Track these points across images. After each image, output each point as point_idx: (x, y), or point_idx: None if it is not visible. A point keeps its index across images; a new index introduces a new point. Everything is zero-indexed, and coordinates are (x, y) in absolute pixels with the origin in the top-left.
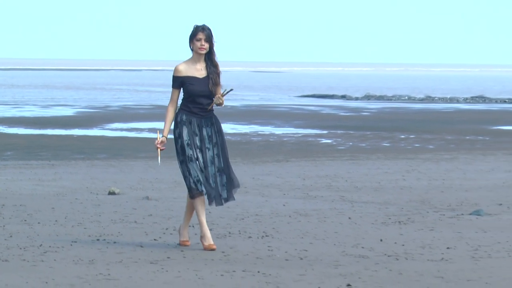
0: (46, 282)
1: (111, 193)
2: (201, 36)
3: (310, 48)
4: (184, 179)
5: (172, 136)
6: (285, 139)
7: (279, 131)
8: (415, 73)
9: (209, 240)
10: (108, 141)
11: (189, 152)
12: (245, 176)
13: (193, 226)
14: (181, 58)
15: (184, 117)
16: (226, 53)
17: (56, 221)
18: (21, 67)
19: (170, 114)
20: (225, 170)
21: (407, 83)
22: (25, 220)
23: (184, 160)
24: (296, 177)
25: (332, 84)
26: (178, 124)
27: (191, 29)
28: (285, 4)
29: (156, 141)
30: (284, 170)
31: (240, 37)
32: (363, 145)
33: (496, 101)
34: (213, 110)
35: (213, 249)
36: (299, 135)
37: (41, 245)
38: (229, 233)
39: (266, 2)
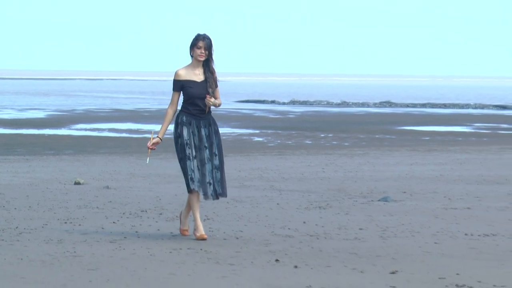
0: (21, 259)
1: (77, 183)
2: (201, 44)
3: (245, 59)
4: (184, 175)
5: (171, 136)
6: (224, 137)
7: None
8: (332, 82)
9: (201, 231)
10: (74, 139)
11: (188, 151)
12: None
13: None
14: (140, 69)
15: (184, 119)
16: (172, 64)
17: (30, 207)
18: None
19: (169, 116)
20: (220, 168)
21: (326, 90)
22: (3, 206)
23: (183, 158)
24: (233, 169)
25: (263, 91)
26: (178, 124)
27: (193, 36)
28: (220, 18)
29: (149, 142)
30: None
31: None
32: (289, 142)
33: (401, 105)
34: (211, 112)
35: (204, 239)
36: (235, 134)
37: (17, 227)
38: (176, 216)
39: (207, 17)
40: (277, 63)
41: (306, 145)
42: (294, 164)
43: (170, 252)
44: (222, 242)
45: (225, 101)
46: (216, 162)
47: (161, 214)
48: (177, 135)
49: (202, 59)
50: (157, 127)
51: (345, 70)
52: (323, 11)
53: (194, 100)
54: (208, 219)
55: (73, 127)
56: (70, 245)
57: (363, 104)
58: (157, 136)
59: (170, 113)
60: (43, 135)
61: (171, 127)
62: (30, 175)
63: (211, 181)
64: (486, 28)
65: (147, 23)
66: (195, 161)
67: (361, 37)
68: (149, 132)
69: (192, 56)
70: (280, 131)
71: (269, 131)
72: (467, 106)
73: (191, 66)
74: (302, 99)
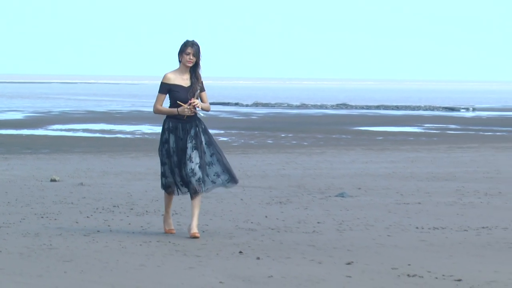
0: (0, 251)
1: (53, 180)
2: (190, 50)
3: (209, 64)
4: (161, 177)
5: (150, 137)
6: None
7: None
8: (292, 85)
9: (170, 225)
10: (50, 139)
11: (174, 159)
12: (159, 166)
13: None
14: (112, 73)
15: (170, 124)
16: (144, 68)
17: (8, 202)
18: None
19: (163, 107)
20: (219, 162)
21: (286, 93)
22: None
23: (167, 163)
24: None
25: (227, 94)
26: (165, 131)
27: (181, 42)
28: (184, 23)
29: (191, 104)
30: None
31: (151, 52)
32: (252, 142)
33: (356, 107)
34: (196, 114)
35: (172, 233)
36: None
37: None
38: (147, 211)
39: (175, 21)
40: (240, 67)
41: (268, 144)
42: (257, 162)
43: (141, 244)
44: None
45: None
46: (208, 159)
47: (132, 209)
48: (164, 140)
49: (190, 65)
50: (128, 128)
51: (303, 74)
52: (282, 18)
53: (180, 104)
54: (176, 213)
55: (49, 128)
56: (46, 238)
57: (321, 106)
58: (181, 108)
59: (161, 106)
60: (21, 135)
61: (162, 128)
62: (9, 173)
63: (203, 178)
64: (435, 33)
65: (119, 28)
66: (176, 169)
67: (317, 42)
68: (121, 132)
69: (180, 62)
70: (243, 131)
71: (233, 131)
72: (418, 108)
73: (179, 71)
74: (264, 101)
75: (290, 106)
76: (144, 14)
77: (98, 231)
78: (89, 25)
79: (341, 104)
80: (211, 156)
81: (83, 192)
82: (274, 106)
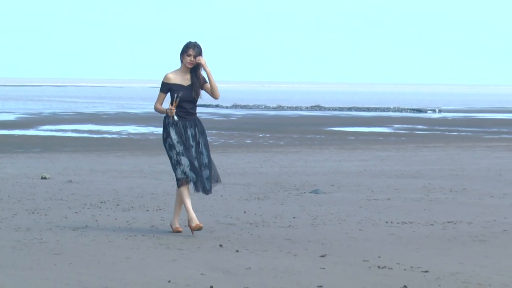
0: None
1: (43, 177)
2: (191, 52)
3: None
4: (174, 172)
5: (141, 139)
6: None
7: None
8: (269, 88)
9: (196, 220)
10: (41, 139)
11: (179, 148)
12: (144, 164)
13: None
14: (98, 77)
15: (170, 120)
16: (124, 71)
17: (1, 199)
18: None
19: (161, 107)
20: (208, 165)
21: (264, 95)
22: None
23: (173, 156)
24: None
25: (207, 96)
26: (166, 126)
27: (184, 43)
28: (166, 25)
29: (171, 110)
30: None
31: (140, 57)
32: (232, 141)
33: (329, 109)
34: (196, 113)
35: (200, 228)
36: None
37: None
38: (132, 207)
39: (161, 23)
40: (220, 71)
41: (246, 144)
42: (236, 160)
43: (126, 238)
44: None
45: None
46: (205, 160)
47: (118, 205)
48: (165, 136)
49: (191, 66)
50: (115, 128)
51: (280, 78)
52: (262, 23)
53: (180, 102)
54: (160, 209)
55: (40, 128)
56: (37, 232)
57: (296, 108)
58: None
59: (159, 106)
60: (13, 135)
61: (161, 129)
62: (1, 171)
63: (199, 178)
64: (404, 38)
65: (111, 33)
66: (185, 157)
67: (293, 47)
68: (107, 132)
69: (181, 62)
70: (223, 132)
71: (214, 132)
72: (387, 109)
73: (180, 71)
74: (243, 103)
75: (267, 108)
76: (135, 19)
77: (86, 225)
78: (82, 29)
79: (315, 106)
80: (207, 156)
81: (72, 189)
82: (252, 108)
